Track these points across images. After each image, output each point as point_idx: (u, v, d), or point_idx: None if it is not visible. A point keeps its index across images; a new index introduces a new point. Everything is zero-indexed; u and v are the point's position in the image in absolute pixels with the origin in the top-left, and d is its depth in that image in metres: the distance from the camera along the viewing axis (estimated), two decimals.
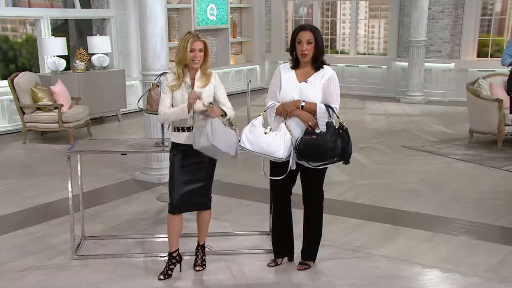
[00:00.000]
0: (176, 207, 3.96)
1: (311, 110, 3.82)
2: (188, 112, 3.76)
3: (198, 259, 4.18)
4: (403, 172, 6.75)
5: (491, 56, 11.83)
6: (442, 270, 4.13)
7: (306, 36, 3.81)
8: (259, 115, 3.93)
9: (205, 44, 3.85)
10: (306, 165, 3.87)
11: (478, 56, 11.97)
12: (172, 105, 3.87)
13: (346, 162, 3.87)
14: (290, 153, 3.80)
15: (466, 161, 7.21)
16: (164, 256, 4.17)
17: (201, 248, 4.20)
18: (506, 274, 4.06)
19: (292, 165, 3.84)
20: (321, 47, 3.85)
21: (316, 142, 3.74)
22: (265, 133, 3.83)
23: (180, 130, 3.90)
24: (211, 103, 3.80)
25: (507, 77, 7.13)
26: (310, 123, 3.82)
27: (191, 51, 3.78)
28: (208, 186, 4.02)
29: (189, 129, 3.88)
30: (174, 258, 4.03)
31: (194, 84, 3.88)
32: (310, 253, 4.18)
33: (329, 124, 3.79)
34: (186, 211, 4.06)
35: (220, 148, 3.72)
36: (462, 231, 4.90)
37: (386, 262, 4.25)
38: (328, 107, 3.82)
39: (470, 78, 10.12)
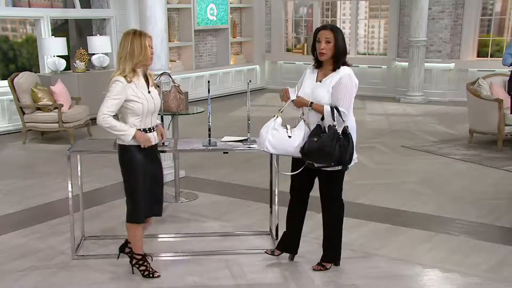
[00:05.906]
0: (142, 214, 3.92)
1: (318, 111, 3.81)
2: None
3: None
4: (403, 172, 6.75)
5: (491, 56, 11.82)
6: (442, 270, 4.13)
7: (325, 35, 3.79)
8: (277, 117, 3.86)
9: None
10: (315, 166, 3.86)
11: (478, 56, 11.96)
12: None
13: (345, 168, 3.85)
14: None
15: (466, 161, 7.21)
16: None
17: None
18: (506, 274, 4.06)
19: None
20: (342, 47, 3.80)
21: (316, 144, 3.72)
22: (289, 136, 3.81)
23: (148, 131, 3.91)
24: None
25: (508, 77, 7.13)
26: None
27: (149, 47, 3.69)
28: None
29: (150, 130, 3.91)
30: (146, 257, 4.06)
31: (149, 85, 3.82)
32: (326, 255, 4.14)
33: (330, 127, 3.74)
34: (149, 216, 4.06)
35: None
36: (462, 231, 4.90)
37: (386, 262, 4.26)
38: (333, 110, 3.75)
39: (470, 78, 10.11)
